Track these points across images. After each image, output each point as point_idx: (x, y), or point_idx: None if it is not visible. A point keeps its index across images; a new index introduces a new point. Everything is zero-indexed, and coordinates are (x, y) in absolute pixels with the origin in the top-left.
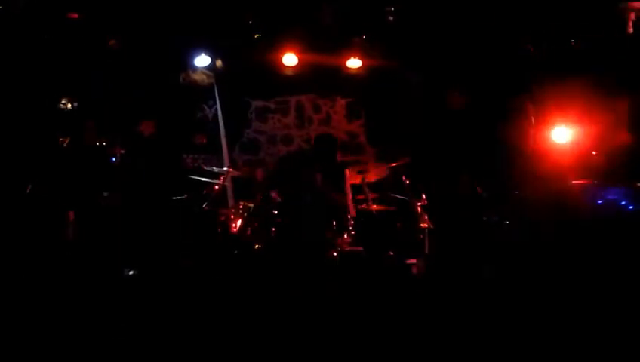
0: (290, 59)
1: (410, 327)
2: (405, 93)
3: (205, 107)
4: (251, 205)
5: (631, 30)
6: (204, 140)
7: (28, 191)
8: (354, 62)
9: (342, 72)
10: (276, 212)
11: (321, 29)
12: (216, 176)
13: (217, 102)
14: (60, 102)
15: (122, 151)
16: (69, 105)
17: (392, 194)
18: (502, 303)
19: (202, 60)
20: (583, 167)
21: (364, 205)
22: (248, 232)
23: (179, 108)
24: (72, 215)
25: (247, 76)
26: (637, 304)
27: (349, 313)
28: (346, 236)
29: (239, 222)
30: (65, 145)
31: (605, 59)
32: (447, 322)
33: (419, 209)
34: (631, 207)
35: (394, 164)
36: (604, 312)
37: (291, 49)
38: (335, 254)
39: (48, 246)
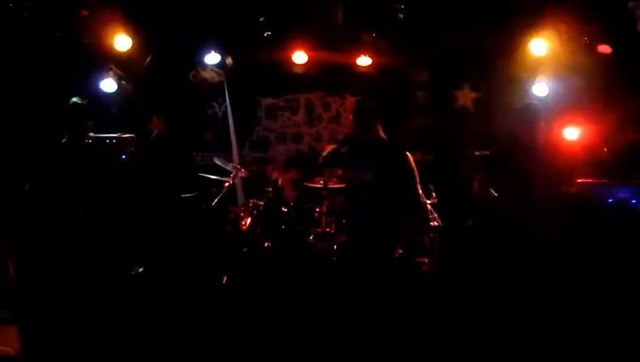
0: (299, 57)
1: (419, 326)
2: (415, 91)
3: (215, 105)
4: (261, 203)
5: None
6: (214, 138)
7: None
8: (364, 60)
9: (352, 69)
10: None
11: (331, 27)
12: (226, 173)
13: (227, 99)
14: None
15: (132, 149)
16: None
17: None
18: (512, 302)
19: (212, 58)
20: (594, 166)
21: None
22: (258, 230)
23: (189, 105)
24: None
25: (257, 74)
26: None
27: (358, 311)
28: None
29: (249, 220)
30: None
31: (615, 56)
32: (455, 321)
33: (429, 207)
34: None
35: None
36: (614, 312)
37: (301, 47)
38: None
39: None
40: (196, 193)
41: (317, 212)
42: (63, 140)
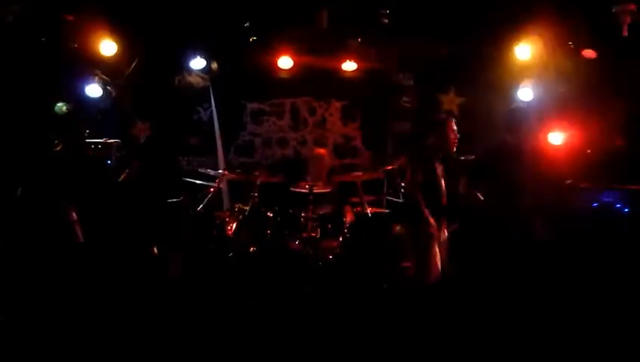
0: (285, 62)
1: (402, 330)
2: (401, 96)
3: (200, 109)
4: (247, 208)
5: (626, 33)
6: (200, 143)
7: (18, 193)
8: (349, 65)
9: (337, 74)
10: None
11: (316, 32)
12: (212, 178)
13: (213, 104)
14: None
15: (117, 154)
16: (64, 108)
17: (388, 197)
18: (497, 305)
19: (198, 63)
20: (579, 171)
21: (358, 208)
22: (243, 235)
23: (174, 110)
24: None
25: (243, 79)
26: (632, 305)
27: (344, 315)
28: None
29: (234, 225)
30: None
31: (600, 61)
32: (440, 324)
33: None
34: (626, 210)
35: (389, 167)
36: (601, 313)
37: (287, 52)
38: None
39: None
40: (182, 198)
41: (302, 217)
42: (57, 147)
